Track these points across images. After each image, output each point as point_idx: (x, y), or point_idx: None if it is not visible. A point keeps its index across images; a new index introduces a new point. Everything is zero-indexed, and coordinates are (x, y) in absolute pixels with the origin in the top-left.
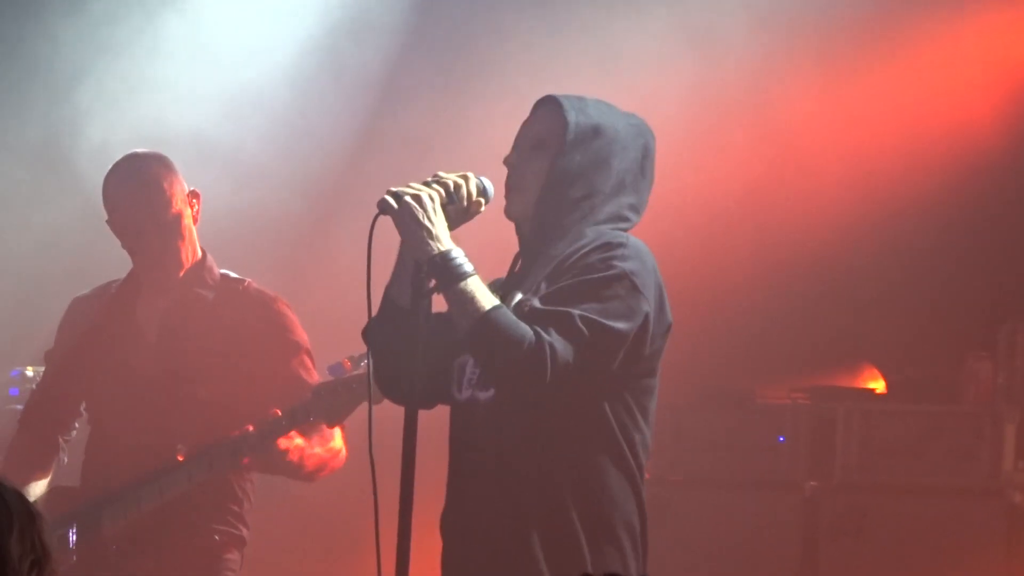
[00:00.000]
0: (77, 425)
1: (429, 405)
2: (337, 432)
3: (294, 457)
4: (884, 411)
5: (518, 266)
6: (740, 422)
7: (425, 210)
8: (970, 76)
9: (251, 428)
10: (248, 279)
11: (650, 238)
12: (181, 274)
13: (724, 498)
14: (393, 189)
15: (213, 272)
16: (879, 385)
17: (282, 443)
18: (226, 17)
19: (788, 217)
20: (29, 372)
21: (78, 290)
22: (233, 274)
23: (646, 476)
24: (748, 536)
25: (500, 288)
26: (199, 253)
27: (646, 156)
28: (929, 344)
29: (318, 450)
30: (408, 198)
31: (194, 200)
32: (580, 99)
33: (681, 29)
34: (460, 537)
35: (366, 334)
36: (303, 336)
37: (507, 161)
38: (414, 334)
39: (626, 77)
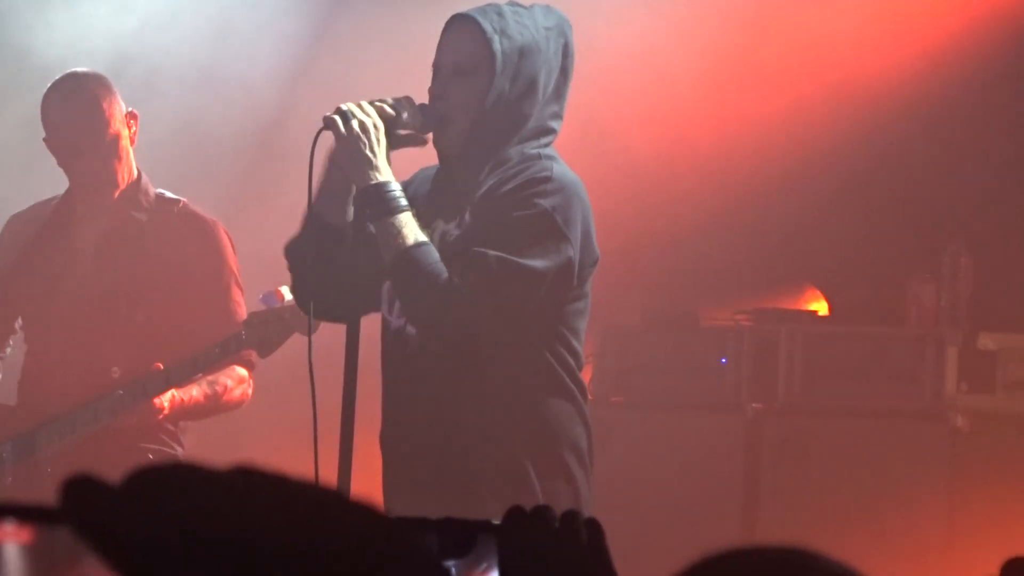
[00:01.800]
0: (12, 343)
1: (348, 320)
2: (238, 370)
3: (166, 412)
4: (827, 333)
5: (439, 187)
6: (683, 344)
7: (368, 139)
8: (917, 4)
9: (160, 366)
10: (183, 199)
11: (593, 161)
12: (116, 195)
13: (667, 420)
14: (342, 107)
15: (148, 193)
16: (822, 307)
17: (155, 402)
18: None
19: (730, 139)
20: None
21: (15, 208)
22: (169, 194)
23: (590, 397)
24: (691, 458)
25: (418, 204)
26: (135, 174)
27: (567, 55)
28: (872, 267)
29: (195, 392)
30: (355, 123)
31: (132, 121)
32: (499, 15)
33: None
34: (401, 458)
35: (289, 250)
36: (234, 264)
37: (431, 91)
38: (338, 251)
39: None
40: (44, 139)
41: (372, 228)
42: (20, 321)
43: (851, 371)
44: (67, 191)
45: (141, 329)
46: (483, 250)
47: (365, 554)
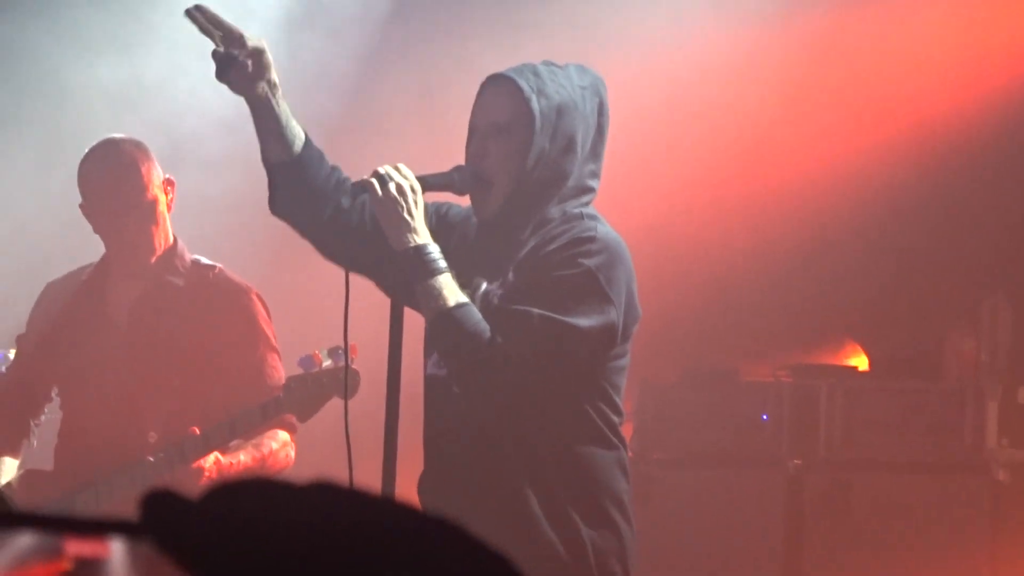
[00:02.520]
0: (47, 409)
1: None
2: (281, 434)
3: (211, 475)
4: (867, 388)
5: (480, 246)
6: (724, 400)
7: (406, 201)
8: (950, 61)
9: (196, 431)
10: (219, 265)
11: (635, 220)
12: (152, 260)
13: (708, 476)
14: (379, 170)
15: (184, 258)
16: (862, 362)
17: (199, 465)
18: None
19: (768, 195)
20: (12, 355)
21: (53, 275)
22: (204, 260)
23: (629, 455)
24: (732, 514)
25: (454, 256)
26: (171, 239)
27: (602, 113)
28: (911, 321)
29: (243, 457)
30: (392, 186)
31: (169, 187)
32: (535, 75)
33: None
34: (441, 503)
35: (275, 209)
36: (271, 330)
37: (469, 151)
38: (314, 182)
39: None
40: (80, 205)
41: (415, 291)
42: (56, 388)
43: (891, 425)
44: (103, 257)
45: (177, 394)
46: (527, 308)
47: (444, 573)
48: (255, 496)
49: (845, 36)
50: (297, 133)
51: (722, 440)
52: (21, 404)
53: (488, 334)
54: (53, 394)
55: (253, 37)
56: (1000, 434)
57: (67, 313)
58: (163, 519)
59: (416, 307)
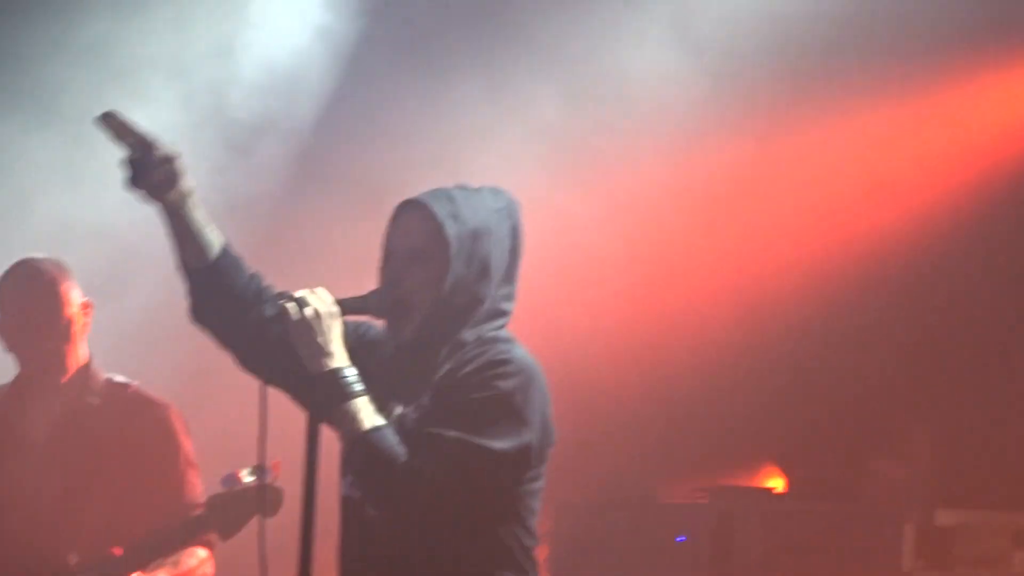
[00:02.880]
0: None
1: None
2: (200, 551)
3: None
4: (784, 511)
5: (395, 370)
6: (640, 522)
7: (321, 325)
8: (865, 186)
9: (118, 551)
10: (134, 383)
11: (549, 342)
12: (64, 379)
13: None
14: (296, 294)
15: (98, 377)
16: (780, 484)
17: None
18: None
19: (687, 318)
20: None
21: None
22: (119, 378)
23: None
24: None
25: (372, 378)
26: (86, 358)
27: (515, 236)
28: (832, 444)
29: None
30: (308, 310)
31: (87, 310)
32: (450, 200)
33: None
34: None
35: (195, 316)
36: (189, 446)
37: (384, 276)
38: (233, 286)
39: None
40: None
41: (329, 416)
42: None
43: (809, 548)
44: (16, 376)
45: (97, 514)
46: (442, 431)
47: None
48: None
49: (775, 161)
50: (213, 240)
51: (639, 563)
52: None
53: (403, 457)
54: None
55: (165, 145)
56: (917, 557)
57: None
58: None
59: (332, 426)
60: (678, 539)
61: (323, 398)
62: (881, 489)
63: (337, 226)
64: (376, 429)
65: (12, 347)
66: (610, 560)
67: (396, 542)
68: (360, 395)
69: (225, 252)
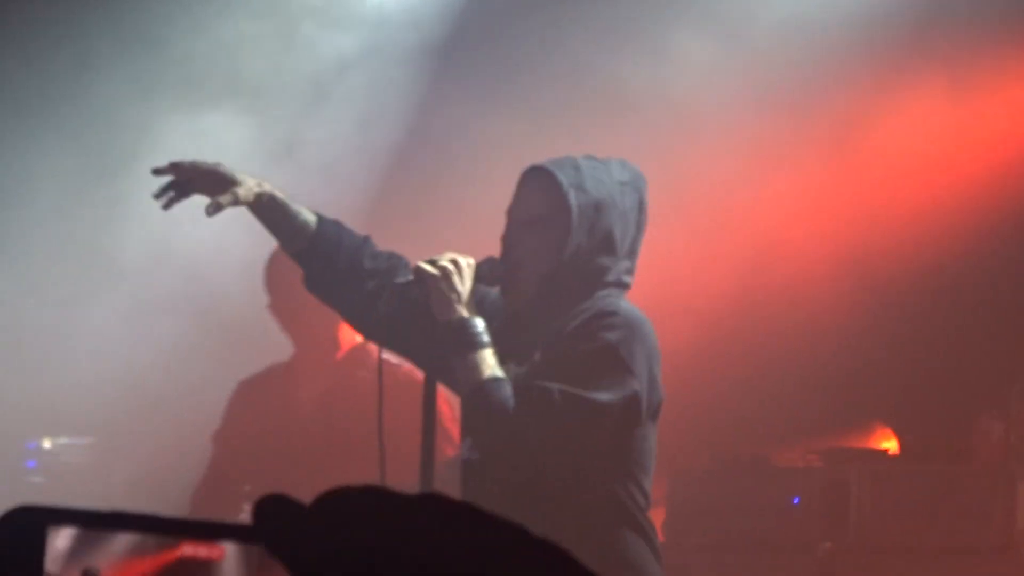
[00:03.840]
0: (246, 507)
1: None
2: None
3: None
4: (897, 472)
5: (510, 333)
6: (754, 486)
7: (455, 275)
8: (974, 133)
9: None
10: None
11: (663, 305)
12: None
13: (739, 561)
14: (427, 259)
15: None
16: (892, 445)
17: None
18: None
19: (799, 281)
20: (46, 444)
21: (88, 360)
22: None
23: (662, 540)
24: None
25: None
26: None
27: (641, 210)
28: (941, 404)
29: None
30: (443, 262)
31: None
32: (575, 169)
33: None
34: None
35: (310, 288)
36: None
37: (504, 240)
38: (333, 262)
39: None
40: (268, 305)
41: (453, 361)
42: (248, 486)
43: (921, 508)
44: (293, 355)
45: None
46: (548, 385)
47: None
48: (367, 504)
49: (873, 106)
50: (304, 224)
51: (754, 525)
52: (220, 503)
53: (513, 410)
54: (247, 491)
55: (206, 163)
56: None
57: (258, 411)
58: (275, 524)
59: (450, 384)
60: (793, 500)
61: (450, 346)
62: (993, 450)
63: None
64: (494, 379)
65: (284, 327)
66: (725, 524)
67: (514, 502)
68: (486, 346)
69: (320, 233)
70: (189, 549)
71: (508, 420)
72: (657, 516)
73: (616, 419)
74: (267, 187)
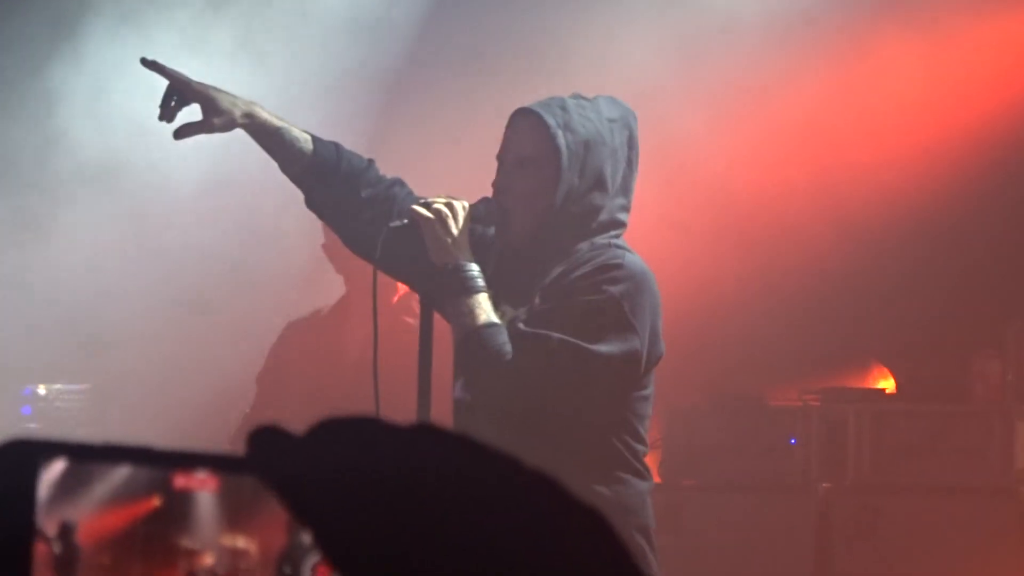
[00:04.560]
0: None
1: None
2: None
3: None
4: (894, 411)
5: (506, 275)
6: (751, 425)
7: (450, 220)
8: (973, 76)
9: None
10: None
11: (659, 247)
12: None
13: (737, 501)
14: (422, 200)
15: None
16: (889, 384)
17: None
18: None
19: (795, 222)
20: (41, 391)
21: (90, 310)
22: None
23: (658, 480)
24: (762, 539)
25: (485, 278)
26: None
27: (632, 147)
28: (937, 344)
29: None
30: (438, 206)
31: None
32: (563, 109)
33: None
34: None
35: (308, 204)
36: None
37: (495, 184)
38: (331, 184)
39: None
40: (322, 244)
41: (447, 306)
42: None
43: (920, 448)
44: (342, 298)
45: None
46: (547, 332)
47: (541, 530)
48: (359, 435)
49: (884, 43)
50: (299, 149)
51: (751, 465)
52: None
53: (509, 356)
54: None
55: (198, 82)
56: None
57: (302, 354)
58: (267, 454)
59: (449, 321)
60: (791, 440)
61: (445, 290)
62: (990, 389)
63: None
64: (488, 325)
65: (339, 269)
66: (722, 464)
67: (506, 445)
68: (481, 291)
69: (316, 157)
70: (181, 480)
71: (504, 367)
72: (653, 456)
73: (615, 372)
74: (258, 110)
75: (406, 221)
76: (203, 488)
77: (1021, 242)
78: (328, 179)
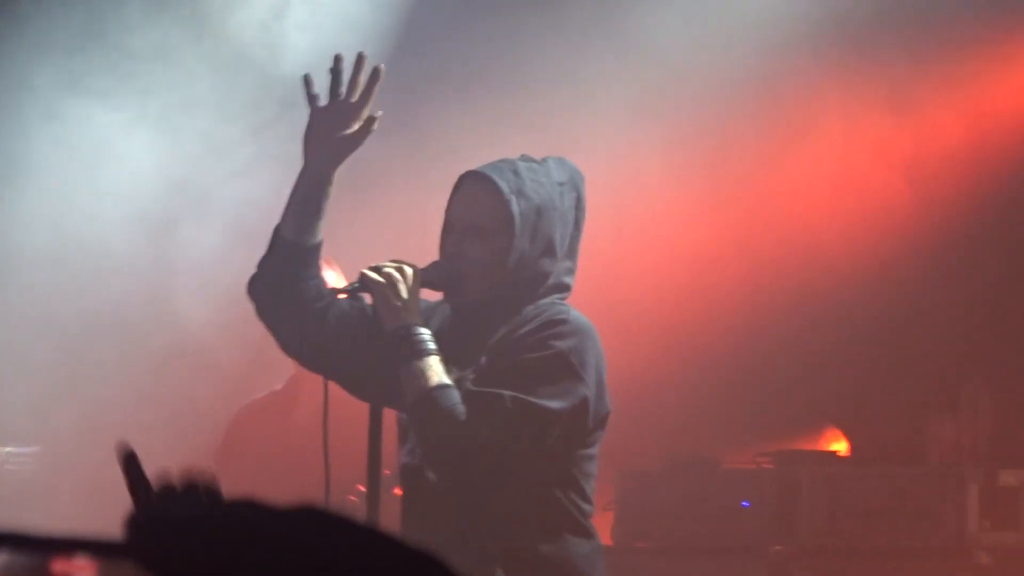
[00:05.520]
0: None
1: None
2: None
3: None
4: (848, 474)
5: (454, 338)
6: (704, 488)
7: (400, 283)
8: (916, 133)
9: None
10: None
11: (611, 309)
12: None
13: (690, 564)
14: (372, 265)
15: None
16: (842, 447)
17: None
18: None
19: (747, 282)
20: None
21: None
22: None
23: (610, 544)
24: None
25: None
26: None
27: (579, 208)
28: (892, 406)
29: None
30: (388, 269)
31: None
32: (515, 174)
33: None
34: None
35: (252, 286)
36: None
37: (444, 247)
38: (305, 276)
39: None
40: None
41: (400, 371)
42: None
43: (873, 511)
44: (291, 377)
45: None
46: (499, 391)
47: None
48: (241, 519)
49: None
50: (320, 228)
51: (704, 528)
52: None
53: (463, 416)
54: None
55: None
56: (982, 517)
57: (258, 429)
58: (145, 540)
59: (395, 402)
60: (743, 504)
61: (396, 354)
62: (945, 451)
63: (395, 186)
64: (441, 387)
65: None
66: (675, 527)
67: (455, 507)
68: (432, 353)
69: (319, 245)
70: (60, 567)
71: (458, 427)
72: (606, 519)
73: (565, 426)
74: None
75: (356, 284)
76: (81, 574)
77: (975, 304)
78: (305, 269)
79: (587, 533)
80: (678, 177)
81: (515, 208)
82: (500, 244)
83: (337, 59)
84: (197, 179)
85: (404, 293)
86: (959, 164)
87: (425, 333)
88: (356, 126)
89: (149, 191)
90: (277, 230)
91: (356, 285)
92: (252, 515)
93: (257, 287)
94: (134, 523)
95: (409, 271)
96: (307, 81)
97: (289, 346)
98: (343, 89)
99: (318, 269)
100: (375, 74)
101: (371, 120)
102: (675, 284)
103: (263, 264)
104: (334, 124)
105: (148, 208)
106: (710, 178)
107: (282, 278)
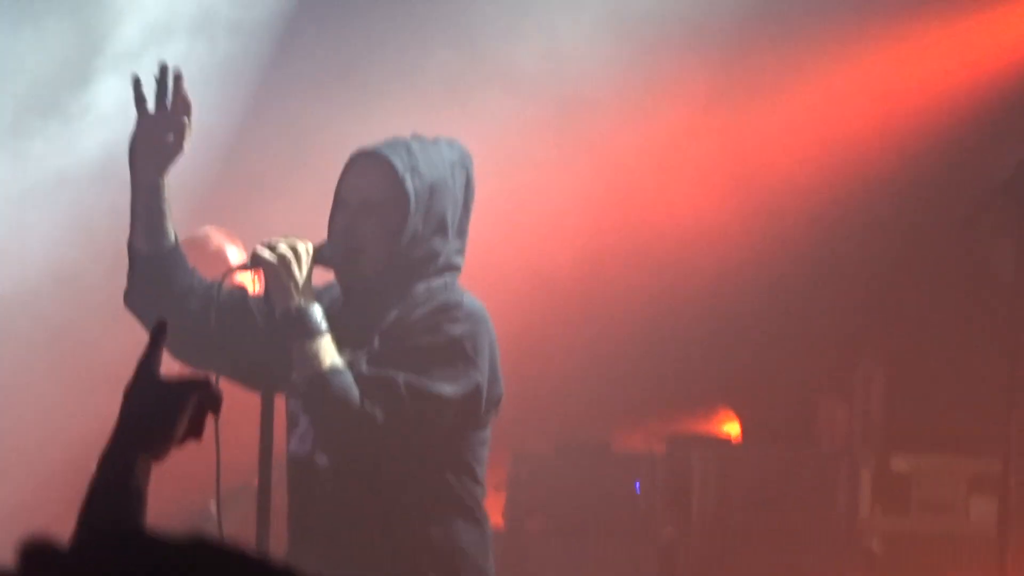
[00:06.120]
0: None
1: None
2: None
3: None
4: (739, 458)
5: (345, 318)
6: (597, 471)
7: (293, 262)
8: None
9: None
10: None
11: (502, 292)
12: None
13: (582, 547)
14: (268, 240)
15: None
16: (735, 428)
17: None
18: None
19: (641, 262)
20: None
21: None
22: None
23: (501, 526)
24: None
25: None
26: None
27: (468, 188)
28: (784, 387)
29: None
30: (281, 248)
31: None
32: (408, 152)
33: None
34: None
35: (129, 299)
36: None
37: (334, 224)
38: (173, 279)
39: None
40: None
41: (292, 349)
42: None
43: (765, 495)
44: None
45: None
46: (393, 375)
47: None
48: (127, 548)
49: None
50: (170, 231)
51: (596, 512)
52: None
53: (357, 400)
54: None
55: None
56: (874, 502)
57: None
58: (34, 567)
59: (284, 388)
60: (635, 486)
61: (288, 334)
62: (837, 434)
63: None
64: (334, 369)
65: None
66: (566, 510)
67: (344, 493)
68: (324, 334)
69: (176, 246)
70: None
71: (351, 410)
72: (499, 499)
73: (458, 411)
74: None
75: (248, 263)
76: None
77: (868, 287)
78: (174, 274)
79: (477, 519)
80: (567, 156)
81: (409, 185)
82: (394, 221)
83: (163, 69)
84: None
85: (297, 272)
86: (858, 148)
87: (318, 312)
88: (179, 133)
89: None
90: (130, 245)
91: (247, 263)
92: (140, 545)
93: (134, 301)
94: (24, 550)
95: (302, 248)
96: (136, 83)
97: (175, 352)
98: (168, 99)
99: (186, 268)
100: (177, 79)
101: (186, 127)
102: (568, 267)
103: (130, 279)
104: (161, 132)
105: None
106: (601, 157)
107: (155, 288)
